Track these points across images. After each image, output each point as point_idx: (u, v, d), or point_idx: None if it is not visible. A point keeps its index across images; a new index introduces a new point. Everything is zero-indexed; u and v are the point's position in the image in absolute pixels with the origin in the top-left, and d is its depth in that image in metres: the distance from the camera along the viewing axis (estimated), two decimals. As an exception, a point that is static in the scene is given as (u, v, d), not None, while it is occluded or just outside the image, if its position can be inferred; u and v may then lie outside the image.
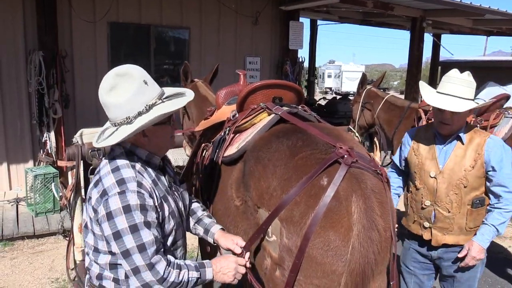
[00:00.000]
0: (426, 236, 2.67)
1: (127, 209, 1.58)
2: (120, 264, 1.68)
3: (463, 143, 2.55)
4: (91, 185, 1.73)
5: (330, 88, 39.44)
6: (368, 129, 5.42)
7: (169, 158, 2.08)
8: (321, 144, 1.83)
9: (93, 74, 6.87)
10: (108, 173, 1.65)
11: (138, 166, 1.71)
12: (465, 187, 2.52)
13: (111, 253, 1.68)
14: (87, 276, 1.84)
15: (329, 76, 41.93)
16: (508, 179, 2.47)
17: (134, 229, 1.58)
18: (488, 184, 2.54)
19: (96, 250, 1.71)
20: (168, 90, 1.78)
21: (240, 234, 2.03)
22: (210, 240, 2.07)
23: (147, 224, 1.61)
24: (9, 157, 6.53)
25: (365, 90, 5.31)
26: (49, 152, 6.25)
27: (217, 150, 2.32)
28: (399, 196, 2.96)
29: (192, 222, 2.12)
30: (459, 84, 2.48)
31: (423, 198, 2.65)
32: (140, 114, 1.64)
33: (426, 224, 2.66)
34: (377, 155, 5.35)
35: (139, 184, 1.64)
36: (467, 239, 2.57)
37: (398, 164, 2.95)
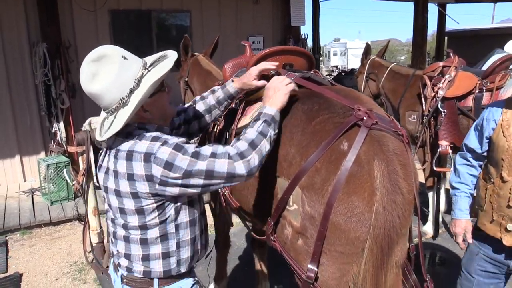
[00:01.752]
0: (507, 241, 2.15)
1: (178, 147, 1.53)
2: (172, 233, 1.66)
3: None
4: (111, 161, 1.61)
5: (336, 66, 39.02)
6: (373, 99, 5.40)
7: None
8: (338, 107, 1.76)
9: (98, 63, 6.90)
10: (135, 142, 1.57)
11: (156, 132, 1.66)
12: None
13: (162, 223, 1.63)
14: (120, 272, 1.77)
15: (335, 54, 41.47)
16: None
17: (195, 154, 1.53)
18: None
19: (144, 228, 1.63)
20: (149, 58, 1.69)
21: (260, 205, 2.00)
22: (233, 90, 2.07)
23: (200, 146, 1.59)
24: (21, 150, 6.65)
25: (369, 61, 5.29)
26: (60, 142, 6.34)
27: (230, 122, 2.26)
28: (471, 196, 2.41)
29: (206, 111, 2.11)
30: None
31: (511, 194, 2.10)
32: (132, 91, 1.56)
33: (510, 227, 2.14)
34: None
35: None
36: None
37: (477, 149, 2.32)
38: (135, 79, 1.56)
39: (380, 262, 1.67)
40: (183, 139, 1.60)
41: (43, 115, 6.50)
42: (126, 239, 1.68)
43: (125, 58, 1.57)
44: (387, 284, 1.76)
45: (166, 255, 1.69)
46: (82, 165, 4.03)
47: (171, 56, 1.69)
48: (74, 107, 6.65)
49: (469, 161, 2.39)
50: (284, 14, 8.59)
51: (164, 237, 1.66)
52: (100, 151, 1.80)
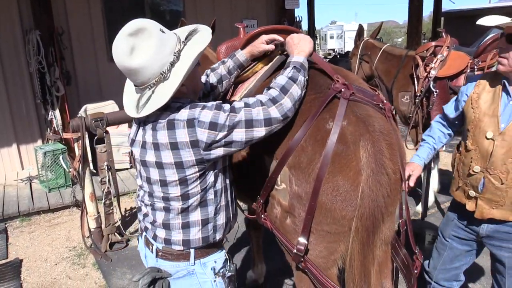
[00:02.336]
0: (469, 206, 2.27)
1: (218, 107, 1.57)
2: (211, 199, 1.71)
3: None
4: (148, 134, 1.62)
5: (333, 50, 38.76)
6: (367, 82, 5.40)
7: None
8: (324, 87, 1.79)
9: (92, 49, 6.91)
10: (174, 113, 1.57)
11: None
12: None
13: (202, 191, 1.66)
14: (156, 246, 1.78)
15: (332, 37, 41.20)
16: None
17: (233, 109, 1.58)
18: None
19: (186, 197, 1.65)
20: (180, 32, 1.68)
21: (250, 183, 2.04)
22: (242, 58, 2.11)
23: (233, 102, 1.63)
24: (18, 138, 6.67)
25: (362, 42, 5.28)
26: (56, 129, 6.35)
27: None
28: (435, 150, 2.55)
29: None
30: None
31: (472, 163, 2.20)
32: (172, 64, 1.55)
33: (472, 193, 2.24)
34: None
35: None
36: None
37: (450, 115, 2.48)
38: (175, 53, 1.56)
39: (367, 240, 1.72)
40: (219, 101, 1.63)
41: (39, 103, 6.49)
42: (167, 209, 1.70)
43: (163, 31, 1.57)
44: (375, 260, 1.81)
45: (205, 222, 1.73)
46: (78, 152, 4.06)
47: (205, 30, 1.69)
48: (69, 94, 6.65)
49: (443, 123, 2.58)
50: (278, -3, 8.55)
51: (203, 203, 1.70)
52: (130, 126, 1.80)
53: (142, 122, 1.67)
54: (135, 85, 1.64)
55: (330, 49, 39.76)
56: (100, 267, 4.01)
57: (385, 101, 1.82)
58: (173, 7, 7.99)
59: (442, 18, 14.82)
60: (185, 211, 1.69)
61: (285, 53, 2.05)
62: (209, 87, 2.10)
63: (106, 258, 4.13)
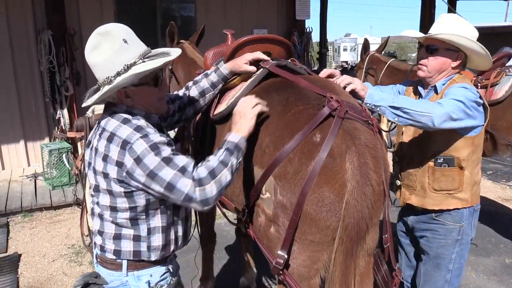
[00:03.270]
0: (397, 195, 2.52)
1: (154, 146, 1.54)
2: (143, 219, 1.67)
3: (437, 94, 2.30)
4: (96, 139, 1.65)
5: (346, 62, 38.81)
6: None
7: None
8: (312, 99, 1.80)
9: (102, 51, 7.00)
10: (119, 125, 1.60)
11: (142, 120, 1.67)
12: (426, 140, 2.31)
13: (131, 209, 1.64)
14: (95, 251, 1.79)
15: (345, 50, 41.23)
16: (447, 101, 2.11)
17: (167, 160, 1.54)
18: None
19: (114, 210, 1.65)
20: (157, 50, 1.70)
21: (236, 192, 2.04)
22: (226, 72, 2.13)
23: (178, 153, 1.59)
24: (26, 135, 6.79)
25: (368, 56, 5.31)
26: (63, 128, 6.45)
27: (207, 109, 2.29)
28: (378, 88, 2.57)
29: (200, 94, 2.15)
30: (437, 22, 2.33)
31: (395, 153, 2.55)
32: (119, 74, 1.59)
33: (398, 182, 2.51)
34: (384, 122, 5.36)
35: (156, 130, 1.63)
36: (435, 204, 2.34)
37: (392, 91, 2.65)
38: (125, 65, 1.59)
39: (350, 250, 1.73)
40: (165, 140, 1.60)
41: (48, 101, 6.62)
42: (101, 217, 1.70)
43: (125, 42, 1.61)
44: (357, 271, 1.81)
45: (136, 238, 1.69)
46: (80, 151, 4.12)
47: (171, 55, 1.69)
48: (78, 94, 6.74)
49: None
50: (289, 7, 8.60)
51: (134, 221, 1.67)
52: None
53: (98, 124, 1.71)
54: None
55: (343, 61, 39.80)
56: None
57: (371, 116, 1.84)
58: (185, 13, 8.12)
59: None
60: (115, 223, 1.67)
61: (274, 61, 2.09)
62: (186, 100, 2.12)
63: (102, 257, 4.16)
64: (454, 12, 12.95)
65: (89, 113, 6.62)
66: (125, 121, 1.62)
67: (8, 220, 5.14)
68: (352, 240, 1.71)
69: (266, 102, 1.85)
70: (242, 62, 2.10)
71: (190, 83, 2.18)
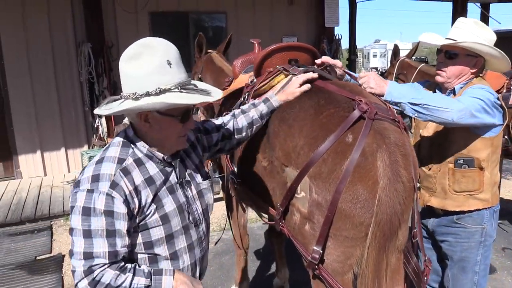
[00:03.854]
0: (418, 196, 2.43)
1: (86, 211, 1.41)
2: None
3: (455, 96, 2.29)
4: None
5: (376, 68, 38.42)
6: (402, 100, 5.41)
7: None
8: (343, 102, 1.87)
9: (138, 62, 7.29)
10: (93, 163, 1.50)
11: (129, 161, 1.51)
12: (445, 142, 2.31)
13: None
14: None
15: (375, 56, 40.92)
16: (466, 98, 2.13)
17: (87, 234, 1.41)
18: None
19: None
20: (198, 84, 1.55)
21: (269, 193, 2.13)
22: (276, 104, 2.06)
23: (107, 233, 1.41)
24: (66, 143, 7.12)
25: (398, 61, 5.32)
26: (101, 136, 6.75)
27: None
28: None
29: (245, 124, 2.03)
30: (456, 27, 2.35)
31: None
32: (148, 94, 1.42)
33: (418, 184, 2.43)
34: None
35: (114, 186, 1.43)
36: (457, 205, 2.33)
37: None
38: (159, 88, 1.43)
39: (382, 246, 1.79)
40: (109, 209, 1.42)
41: (87, 110, 6.97)
42: None
43: (169, 63, 1.46)
44: (389, 267, 1.87)
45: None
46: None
47: (211, 96, 1.54)
48: (115, 104, 7.04)
49: None
50: (318, 15, 8.70)
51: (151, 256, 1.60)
52: None
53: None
54: None
55: (373, 68, 39.41)
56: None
57: (396, 115, 1.92)
58: (216, 23, 8.33)
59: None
60: None
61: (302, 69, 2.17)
62: (231, 130, 2.01)
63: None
64: (488, 16, 12.73)
65: (125, 121, 6.89)
66: (99, 161, 1.50)
67: (52, 223, 5.40)
68: (385, 235, 1.77)
69: (299, 107, 1.94)
70: (294, 87, 2.04)
71: (237, 111, 2.07)
